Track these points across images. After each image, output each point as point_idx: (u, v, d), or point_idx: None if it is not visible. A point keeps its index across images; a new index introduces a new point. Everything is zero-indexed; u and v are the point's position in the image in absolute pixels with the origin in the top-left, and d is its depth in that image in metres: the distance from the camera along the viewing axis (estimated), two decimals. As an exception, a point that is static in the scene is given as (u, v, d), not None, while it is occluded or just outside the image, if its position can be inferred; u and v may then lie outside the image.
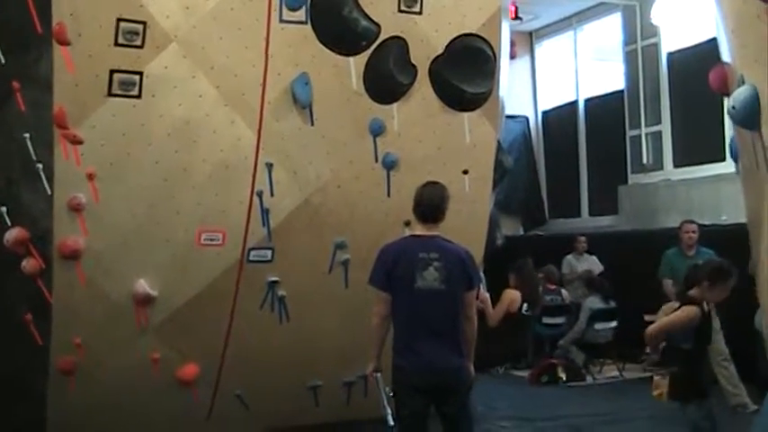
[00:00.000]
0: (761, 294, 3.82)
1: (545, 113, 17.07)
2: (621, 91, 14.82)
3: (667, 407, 9.03)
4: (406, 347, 5.29)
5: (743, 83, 3.45)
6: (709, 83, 4.06)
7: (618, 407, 9.34)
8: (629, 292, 11.28)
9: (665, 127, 13.82)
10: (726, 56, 3.81)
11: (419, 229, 5.50)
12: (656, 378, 6.41)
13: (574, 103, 16.21)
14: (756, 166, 3.47)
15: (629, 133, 14.50)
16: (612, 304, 11.56)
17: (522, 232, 16.36)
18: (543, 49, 17.15)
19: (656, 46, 13.98)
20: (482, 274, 9.67)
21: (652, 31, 13.93)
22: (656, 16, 13.31)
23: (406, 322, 5.31)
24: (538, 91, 17.22)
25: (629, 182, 14.42)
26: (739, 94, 3.39)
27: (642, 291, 10.55)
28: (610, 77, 15.45)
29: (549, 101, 17.03)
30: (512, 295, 11.59)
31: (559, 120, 16.68)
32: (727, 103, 3.77)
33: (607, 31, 15.52)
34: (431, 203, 5.47)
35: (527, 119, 16.96)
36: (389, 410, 5.38)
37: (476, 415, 8.34)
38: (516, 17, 14.85)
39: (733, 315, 7.97)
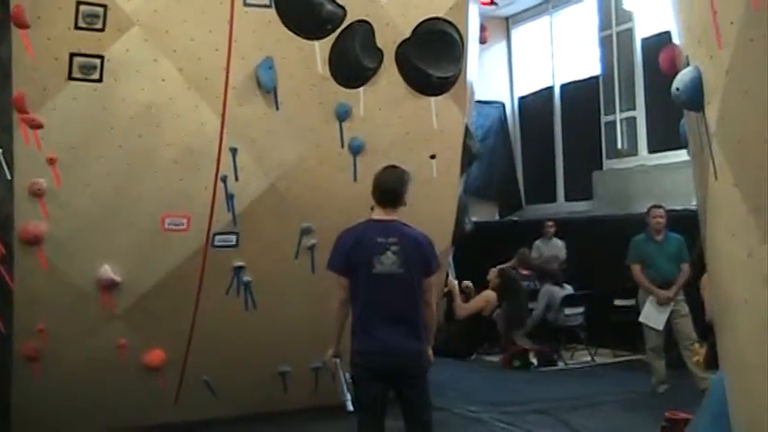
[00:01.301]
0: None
1: (521, 99, 17.02)
2: (597, 76, 14.78)
3: (637, 390, 9.16)
4: (365, 332, 5.25)
5: (688, 64, 3.44)
6: (659, 64, 4.06)
7: (587, 391, 9.35)
8: (602, 278, 11.30)
9: (640, 113, 13.80)
10: (675, 38, 3.80)
11: (378, 214, 5.46)
12: (696, 345, 6.50)
13: (550, 89, 16.15)
14: (701, 149, 3.47)
15: (605, 119, 14.48)
16: (568, 288, 11.59)
17: (497, 218, 16.34)
18: (519, 34, 17.09)
19: (630, 31, 13.96)
20: (450, 260, 9.67)
21: (627, 17, 13.90)
22: (629, 1, 13.29)
23: (364, 307, 5.27)
24: (514, 76, 17.16)
25: (605, 167, 14.41)
26: (683, 76, 3.37)
27: (615, 276, 10.57)
28: (586, 63, 15.40)
29: (526, 86, 16.99)
30: (489, 298, 11.50)
31: (536, 105, 16.62)
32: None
33: (583, 16, 15.46)
34: (389, 187, 5.42)
35: (503, 104, 16.90)
36: (349, 396, 5.36)
37: (448, 400, 8.44)
38: (492, 2, 14.82)
39: (701, 301, 7.98)
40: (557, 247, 12.88)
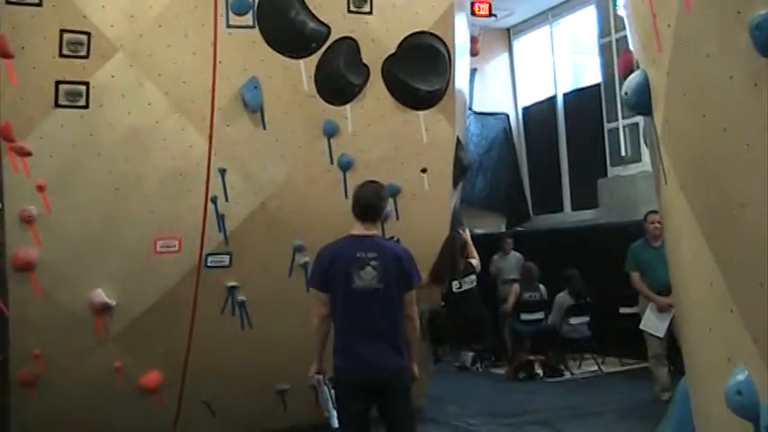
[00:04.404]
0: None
1: (525, 109, 17.04)
2: (598, 84, 14.75)
3: (640, 399, 9.09)
4: (346, 347, 5.25)
5: (638, 68, 3.45)
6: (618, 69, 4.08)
7: (590, 401, 9.31)
8: (608, 286, 11.22)
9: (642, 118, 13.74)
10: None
11: (357, 229, 5.45)
12: None
13: (553, 98, 16.17)
14: (655, 153, 3.46)
15: (608, 126, 14.43)
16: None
17: (504, 229, 16.30)
18: (521, 44, 17.12)
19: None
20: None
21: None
22: (622, 8, 13.27)
23: (344, 322, 5.27)
24: (517, 87, 17.18)
25: (609, 174, 14.35)
26: (631, 80, 3.38)
27: (620, 284, 10.50)
28: (587, 71, 15.41)
29: (529, 97, 16.99)
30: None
31: (539, 115, 16.64)
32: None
33: (583, 25, 15.47)
34: (368, 202, 5.41)
35: (507, 115, 16.94)
36: (334, 412, 5.36)
37: (448, 413, 8.40)
38: (490, 14, 14.82)
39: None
40: (514, 262, 12.99)
